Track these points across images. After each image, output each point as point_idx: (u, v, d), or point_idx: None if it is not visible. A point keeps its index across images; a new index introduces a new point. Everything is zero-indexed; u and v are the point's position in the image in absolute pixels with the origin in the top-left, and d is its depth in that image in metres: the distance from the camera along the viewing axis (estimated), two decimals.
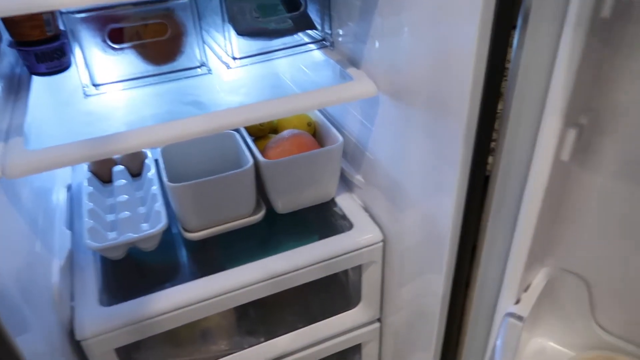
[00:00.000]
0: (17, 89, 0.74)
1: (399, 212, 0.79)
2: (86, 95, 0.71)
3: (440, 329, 0.75)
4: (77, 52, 0.69)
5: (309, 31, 0.84)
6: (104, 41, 0.69)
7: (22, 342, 0.48)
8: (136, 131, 0.61)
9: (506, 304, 0.56)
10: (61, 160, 0.57)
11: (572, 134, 0.44)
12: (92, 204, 0.82)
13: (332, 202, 0.92)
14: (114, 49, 0.70)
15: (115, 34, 0.70)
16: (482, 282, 0.60)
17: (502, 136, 0.50)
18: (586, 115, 0.45)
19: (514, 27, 0.49)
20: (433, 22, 0.57)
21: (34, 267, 0.61)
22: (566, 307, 0.59)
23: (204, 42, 0.76)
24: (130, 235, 0.76)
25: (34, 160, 0.56)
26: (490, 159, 0.77)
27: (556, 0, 0.42)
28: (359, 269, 0.88)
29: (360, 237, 0.84)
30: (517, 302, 0.56)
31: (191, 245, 0.85)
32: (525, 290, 0.56)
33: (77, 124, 0.66)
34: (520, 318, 0.53)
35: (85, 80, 0.70)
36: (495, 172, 0.52)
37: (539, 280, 0.56)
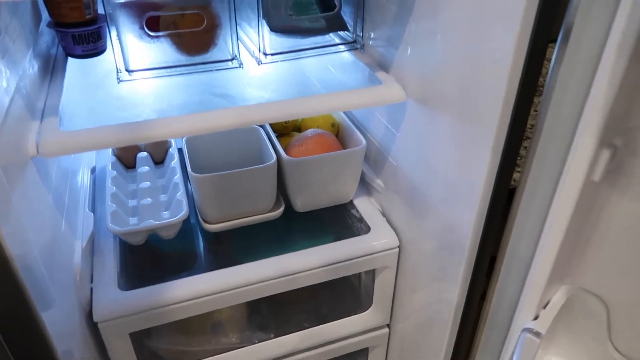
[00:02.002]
0: (53, 69, 0.76)
1: (417, 218, 0.79)
2: (120, 81, 0.72)
3: (451, 338, 0.75)
4: (114, 37, 0.70)
5: (341, 32, 0.84)
6: (142, 28, 0.70)
7: (46, 319, 0.49)
8: (166, 120, 0.62)
9: (524, 319, 0.56)
10: (94, 143, 0.58)
11: (605, 155, 0.44)
12: (115, 188, 0.83)
13: (350, 204, 0.92)
14: (150, 36, 0.71)
15: (152, 21, 0.71)
16: (500, 295, 0.60)
17: (532, 150, 0.50)
18: (620, 137, 0.44)
19: (554, 41, 0.49)
20: (469, 31, 0.57)
21: (58, 246, 0.62)
22: (583, 327, 0.58)
23: (237, 35, 0.77)
24: (152, 222, 0.77)
25: (68, 141, 0.58)
26: (517, 173, 0.77)
27: (600, 19, 0.42)
28: (372, 273, 0.88)
29: (376, 241, 0.84)
30: (536, 318, 0.55)
31: (208, 236, 0.86)
32: (544, 307, 0.56)
33: (110, 108, 0.67)
34: (538, 334, 0.53)
35: (120, 65, 0.71)
36: (522, 186, 0.52)
37: (558, 297, 0.56)
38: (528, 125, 1.00)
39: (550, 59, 0.49)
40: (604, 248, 0.52)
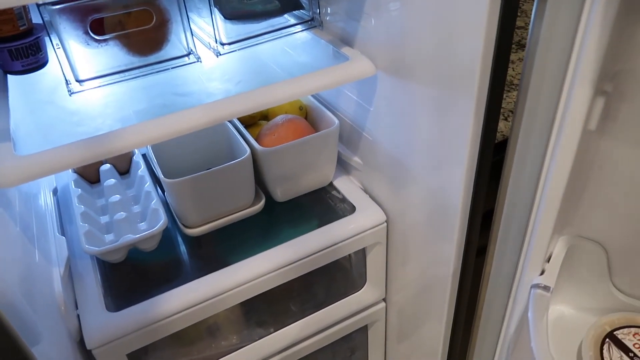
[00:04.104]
0: None
1: (401, 189, 0.78)
2: (71, 93, 0.66)
3: (452, 300, 0.76)
4: (57, 46, 0.65)
5: (297, 12, 0.81)
6: (86, 33, 0.65)
7: (37, 354, 0.45)
8: (132, 128, 0.57)
9: (530, 275, 0.56)
10: (58, 164, 0.53)
11: (600, 102, 0.44)
12: (83, 206, 0.78)
13: (330, 186, 0.91)
14: (96, 41, 0.66)
15: (96, 24, 0.65)
16: (500, 251, 0.60)
17: (521, 101, 0.49)
18: (610, 82, 0.44)
19: None
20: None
21: (36, 278, 0.58)
22: (584, 273, 0.59)
23: (190, 29, 0.72)
24: (131, 237, 0.73)
25: (29, 166, 0.53)
26: (503, 125, 0.76)
27: None
28: (362, 251, 0.88)
29: (363, 219, 0.83)
30: (542, 272, 0.56)
31: (191, 240, 0.82)
32: (548, 260, 0.56)
33: (66, 124, 0.62)
34: (547, 288, 0.53)
35: (69, 76, 0.66)
36: (515, 138, 0.51)
37: (559, 249, 0.56)
38: (515, 74, 1.00)
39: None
40: (599, 194, 0.53)
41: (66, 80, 0.66)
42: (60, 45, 0.65)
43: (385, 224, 0.84)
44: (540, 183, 0.52)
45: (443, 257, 0.73)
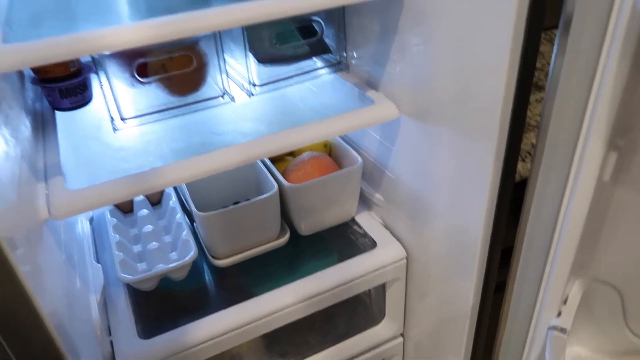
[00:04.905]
0: (42, 125, 0.74)
1: (421, 226, 0.81)
2: (115, 130, 0.71)
3: (470, 335, 0.77)
4: (105, 87, 0.70)
5: (325, 55, 0.86)
6: (132, 75, 0.70)
7: None
8: (175, 166, 0.62)
9: (547, 317, 0.58)
10: (107, 198, 0.58)
11: (613, 157, 0.47)
12: (118, 236, 0.82)
13: (352, 221, 0.94)
14: (141, 82, 0.71)
15: (141, 67, 0.71)
16: (519, 289, 0.62)
17: (541, 143, 0.52)
18: (623, 138, 0.47)
19: (554, 27, 0.51)
20: (459, 37, 0.59)
21: (77, 303, 0.62)
22: (600, 316, 0.61)
23: (225, 71, 0.77)
24: (163, 266, 0.76)
25: (79, 200, 0.57)
26: (522, 162, 0.80)
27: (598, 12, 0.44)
28: (382, 286, 0.90)
29: (384, 255, 0.86)
30: (559, 314, 0.58)
31: (217, 271, 0.86)
32: (564, 302, 0.58)
33: (112, 160, 0.67)
34: (564, 331, 0.55)
35: (114, 114, 0.71)
36: (534, 179, 0.55)
37: (575, 292, 0.59)
38: (532, 115, 1.02)
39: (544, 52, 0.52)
40: (614, 239, 0.55)
41: (111, 117, 0.71)
42: (107, 86, 0.70)
43: (405, 260, 0.86)
44: (558, 225, 0.54)
45: (462, 293, 0.75)
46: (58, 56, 0.49)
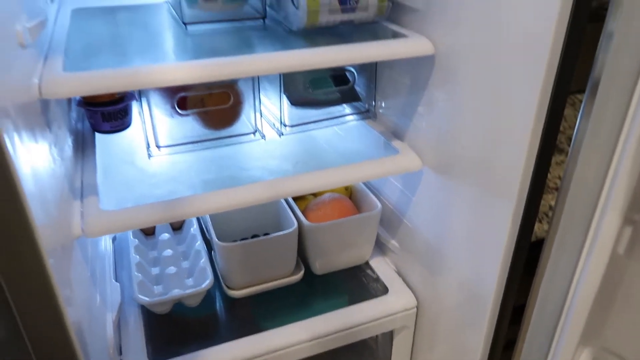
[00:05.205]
0: (82, 145, 0.79)
1: (434, 276, 0.82)
2: (150, 156, 0.75)
3: None
4: (145, 115, 0.74)
5: (355, 102, 0.89)
6: (172, 107, 0.74)
7: None
8: (204, 197, 0.65)
9: None
10: (137, 221, 0.61)
11: (628, 231, 0.49)
12: (138, 257, 0.84)
13: (366, 265, 0.95)
14: (180, 114, 0.75)
15: (181, 100, 0.75)
16: (527, 353, 0.63)
17: (560, 204, 0.54)
18: (638, 212, 0.49)
19: (581, 92, 0.53)
20: (486, 100, 0.62)
21: (95, 319, 0.64)
22: None
23: (260, 110, 0.81)
24: (179, 292, 0.78)
25: (111, 221, 0.60)
26: (537, 226, 0.81)
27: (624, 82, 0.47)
28: (390, 333, 0.90)
29: (394, 302, 0.87)
30: None
31: (230, 300, 0.87)
32: None
33: (145, 185, 0.70)
34: None
35: (151, 141, 0.75)
36: (551, 239, 0.56)
37: None
38: (551, 177, 1.04)
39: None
40: (626, 310, 0.55)
41: (147, 144, 0.75)
42: (147, 114, 0.74)
43: (415, 308, 0.87)
44: (571, 291, 0.55)
45: (470, 347, 0.75)
46: (112, 87, 0.53)
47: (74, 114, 0.85)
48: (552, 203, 0.60)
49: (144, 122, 0.74)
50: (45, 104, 0.56)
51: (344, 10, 0.68)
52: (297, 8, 0.68)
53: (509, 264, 0.66)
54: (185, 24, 0.71)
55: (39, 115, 0.52)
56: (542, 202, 1.01)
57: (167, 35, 0.72)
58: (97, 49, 0.63)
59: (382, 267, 0.94)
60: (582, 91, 0.52)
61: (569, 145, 0.55)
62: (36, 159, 0.46)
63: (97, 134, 0.82)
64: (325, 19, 0.69)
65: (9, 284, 0.42)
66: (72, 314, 0.48)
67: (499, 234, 0.64)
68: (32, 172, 0.43)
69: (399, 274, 0.93)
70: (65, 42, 0.63)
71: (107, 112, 0.80)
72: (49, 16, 0.69)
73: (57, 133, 0.60)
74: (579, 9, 0.49)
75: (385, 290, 0.89)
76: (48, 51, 0.59)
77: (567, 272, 0.58)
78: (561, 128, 1.38)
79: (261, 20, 0.75)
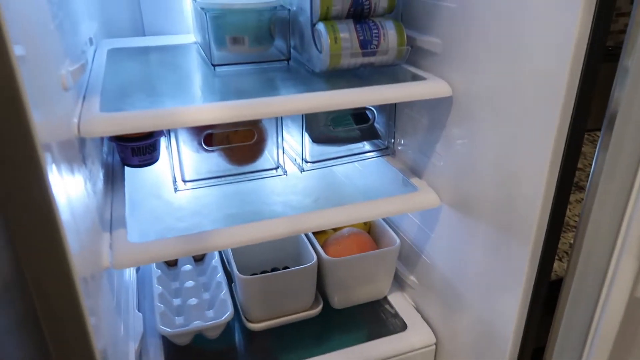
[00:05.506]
0: (112, 178, 0.82)
1: (453, 314, 0.82)
2: (176, 190, 0.78)
3: None
4: (172, 150, 0.77)
5: (374, 140, 0.92)
6: (199, 144, 0.77)
7: None
8: (227, 231, 0.67)
9: None
10: (162, 254, 0.63)
11: None
12: (161, 287, 0.86)
13: (384, 300, 0.95)
14: (206, 150, 0.78)
15: (208, 137, 0.78)
16: None
17: (577, 244, 0.54)
18: None
19: (597, 130, 0.54)
20: (503, 139, 0.63)
21: (118, 348, 0.65)
22: None
23: (282, 147, 0.84)
24: (200, 323, 0.80)
25: (138, 253, 0.62)
26: (557, 264, 0.81)
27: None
28: None
29: (413, 339, 0.86)
30: None
31: (250, 333, 0.88)
32: None
33: (170, 218, 0.73)
34: None
35: (177, 176, 0.78)
36: (570, 280, 0.56)
37: None
38: (571, 215, 1.04)
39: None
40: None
41: (174, 178, 0.78)
42: (174, 149, 0.78)
43: (434, 346, 0.87)
44: (590, 335, 0.55)
45: None
46: (144, 127, 0.56)
47: (105, 148, 0.89)
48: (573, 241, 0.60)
49: (171, 157, 0.77)
50: (82, 141, 0.60)
51: (364, 54, 0.72)
52: (320, 52, 0.71)
53: (528, 304, 0.66)
54: (214, 65, 0.75)
55: (76, 151, 0.55)
56: (563, 240, 1.01)
57: (197, 76, 0.76)
58: (131, 89, 0.67)
59: (400, 302, 0.94)
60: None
61: None
62: (72, 192, 0.49)
63: (126, 168, 0.85)
64: (347, 62, 0.72)
65: (42, 309, 0.44)
66: (99, 342, 0.50)
67: (517, 272, 0.65)
68: (68, 203, 0.45)
69: (418, 310, 0.93)
70: (101, 83, 0.67)
71: (137, 147, 0.83)
72: (88, 57, 0.73)
73: (91, 168, 0.63)
74: (593, 49, 0.51)
75: (403, 327, 0.89)
76: (86, 91, 0.63)
77: (587, 314, 0.57)
78: (581, 165, 1.38)
79: (286, 62, 0.79)
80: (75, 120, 0.55)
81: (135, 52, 0.86)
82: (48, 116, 0.43)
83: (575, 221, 0.97)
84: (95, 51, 0.83)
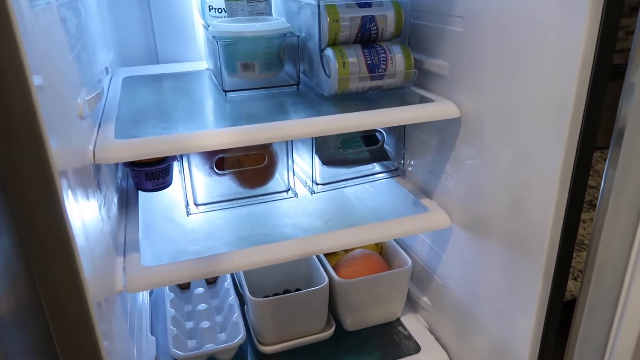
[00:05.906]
0: (126, 202, 0.84)
1: (467, 335, 0.81)
2: (188, 214, 0.79)
3: None
4: (185, 174, 0.79)
5: (384, 161, 0.92)
6: (211, 168, 0.79)
7: None
8: (239, 253, 0.67)
9: None
10: (174, 278, 0.64)
11: None
12: (174, 310, 0.87)
13: (397, 322, 0.95)
14: (217, 174, 0.80)
15: (219, 161, 0.80)
16: None
17: (590, 262, 0.54)
18: None
19: (605, 148, 0.54)
20: (512, 159, 0.63)
21: None
22: None
23: (293, 169, 0.85)
24: (212, 346, 0.80)
25: (151, 277, 0.63)
26: (572, 284, 0.80)
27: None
28: None
29: None
30: None
31: (262, 356, 0.88)
32: None
33: (183, 241, 0.74)
34: None
35: (190, 199, 0.79)
36: (583, 300, 0.56)
37: None
38: (586, 234, 1.03)
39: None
40: None
41: (186, 202, 0.79)
42: (187, 174, 0.79)
43: None
44: (607, 353, 0.54)
45: None
46: (157, 153, 0.58)
47: (120, 173, 0.91)
48: None
49: (183, 181, 0.79)
50: (97, 167, 0.61)
51: (373, 78, 0.73)
52: (329, 76, 0.72)
53: (542, 324, 0.65)
54: (225, 91, 0.77)
55: (91, 177, 0.57)
56: (578, 259, 1.00)
57: (208, 101, 0.78)
58: (144, 115, 0.69)
59: (413, 324, 0.93)
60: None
61: None
62: (87, 217, 0.50)
63: (140, 192, 0.87)
64: (355, 85, 0.73)
65: (57, 333, 0.45)
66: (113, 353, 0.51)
67: (531, 292, 0.64)
68: (83, 228, 0.47)
69: (431, 331, 0.92)
70: (116, 110, 0.69)
71: (150, 171, 0.85)
72: (104, 85, 0.76)
73: (105, 193, 0.65)
74: (599, 67, 0.51)
75: (417, 349, 0.88)
76: (102, 119, 0.65)
77: (602, 333, 0.57)
78: (595, 183, 1.37)
79: (295, 87, 0.80)
80: (91, 147, 0.56)
81: (149, 80, 0.88)
82: (64, 144, 0.45)
83: (590, 240, 0.96)
84: (110, 79, 0.86)
